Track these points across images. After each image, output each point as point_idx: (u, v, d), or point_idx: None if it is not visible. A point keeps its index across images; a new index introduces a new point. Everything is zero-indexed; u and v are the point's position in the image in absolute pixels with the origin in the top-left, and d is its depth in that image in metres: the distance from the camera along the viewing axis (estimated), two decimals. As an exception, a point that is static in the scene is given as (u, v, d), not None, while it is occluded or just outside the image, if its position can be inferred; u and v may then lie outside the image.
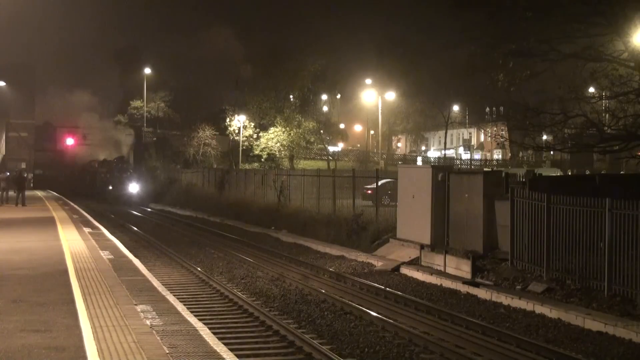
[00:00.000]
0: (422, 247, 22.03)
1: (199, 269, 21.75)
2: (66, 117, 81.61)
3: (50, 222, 29.23)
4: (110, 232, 26.83)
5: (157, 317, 11.50)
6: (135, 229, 34.44)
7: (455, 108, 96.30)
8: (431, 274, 20.31)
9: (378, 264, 22.84)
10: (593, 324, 14.26)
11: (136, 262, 18.48)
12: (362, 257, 24.13)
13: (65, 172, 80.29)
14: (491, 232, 20.10)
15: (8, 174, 50.42)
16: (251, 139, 66.81)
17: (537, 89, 25.25)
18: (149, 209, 52.37)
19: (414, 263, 21.95)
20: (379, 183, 29.67)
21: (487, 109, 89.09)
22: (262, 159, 65.89)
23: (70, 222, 29.48)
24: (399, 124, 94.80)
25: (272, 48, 65.91)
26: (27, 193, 44.63)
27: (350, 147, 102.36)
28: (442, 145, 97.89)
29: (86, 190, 65.90)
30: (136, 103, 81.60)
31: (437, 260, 21.15)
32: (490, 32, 23.18)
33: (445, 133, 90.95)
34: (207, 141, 71.65)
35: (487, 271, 19.11)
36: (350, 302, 16.51)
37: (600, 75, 21.55)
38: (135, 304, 12.41)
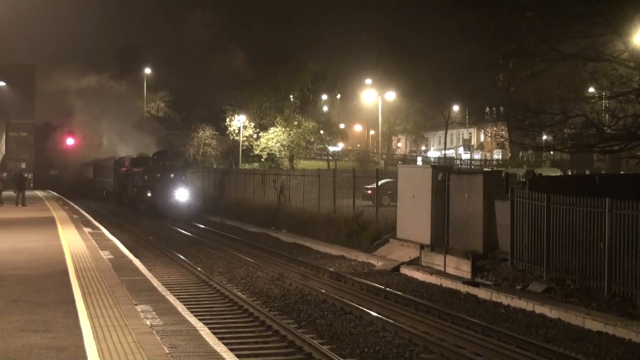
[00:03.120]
0: (422, 247, 22.03)
1: (199, 269, 21.75)
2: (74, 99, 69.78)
3: (50, 222, 29.23)
4: (110, 232, 26.82)
5: (157, 317, 11.50)
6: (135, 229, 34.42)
7: (455, 108, 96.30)
8: (431, 274, 20.31)
9: (378, 264, 22.84)
10: (593, 324, 14.26)
11: (136, 262, 18.48)
12: (362, 257, 24.13)
13: (74, 172, 73.06)
14: (491, 232, 20.10)
15: (5, 174, 50.37)
16: (251, 139, 66.82)
17: (537, 89, 25.26)
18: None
19: (414, 263, 21.95)
20: (379, 183, 29.68)
21: (487, 109, 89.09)
22: (262, 159, 65.92)
23: (70, 222, 29.48)
24: (399, 124, 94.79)
25: (272, 48, 65.93)
26: (27, 193, 44.66)
27: (350, 147, 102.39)
28: (442, 145, 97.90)
29: (116, 197, 52.62)
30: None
31: (437, 260, 21.15)
32: (490, 32, 23.18)
33: (445, 133, 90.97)
34: (207, 141, 71.65)
35: (487, 271, 19.11)
36: (350, 302, 16.51)
37: (600, 75, 21.56)
38: (136, 304, 12.42)
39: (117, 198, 52.77)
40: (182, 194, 42.34)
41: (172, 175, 43.15)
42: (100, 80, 73.61)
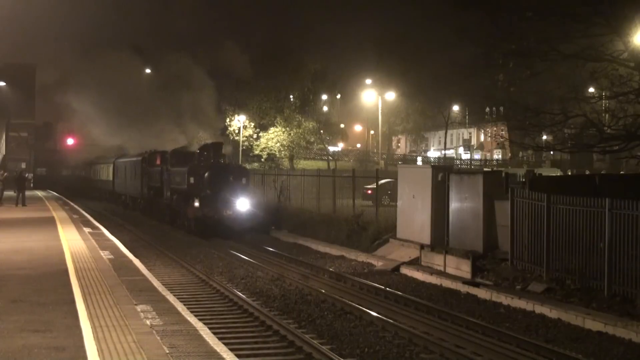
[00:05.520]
0: (422, 247, 22.03)
1: (199, 268, 21.75)
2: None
3: (50, 222, 29.23)
4: (110, 232, 26.83)
5: (157, 317, 11.50)
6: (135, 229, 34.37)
7: (455, 108, 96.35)
8: (431, 274, 20.31)
9: (378, 264, 22.84)
10: (593, 324, 14.26)
11: (136, 262, 18.48)
12: (362, 257, 24.14)
13: (84, 173, 64.44)
14: (491, 232, 20.10)
15: (6, 174, 50.04)
16: (251, 139, 66.84)
17: (537, 89, 25.25)
18: None
19: (414, 263, 21.95)
20: (379, 183, 29.70)
21: (487, 109, 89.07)
22: (262, 159, 65.93)
23: (70, 222, 29.48)
24: (399, 124, 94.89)
25: (272, 48, 65.97)
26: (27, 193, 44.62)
27: (350, 147, 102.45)
28: (442, 145, 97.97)
29: (144, 206, 41.55)
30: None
31: (437, 260, 21.15)
32: (490, 32, 23.18)
33: (445, 133, 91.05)
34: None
35: (487, 271, 19.11)
36: (350, 302, 16.51)
37: (600, 75, 21.54)
38: (136, 304, 12.42)
39: (146, 206, 41.26)
40: (243, 204, 31.08)
41: (230, 178, 31.68)
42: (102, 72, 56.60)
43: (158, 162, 38.71)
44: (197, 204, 31.01)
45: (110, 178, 52.28)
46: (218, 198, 30.88)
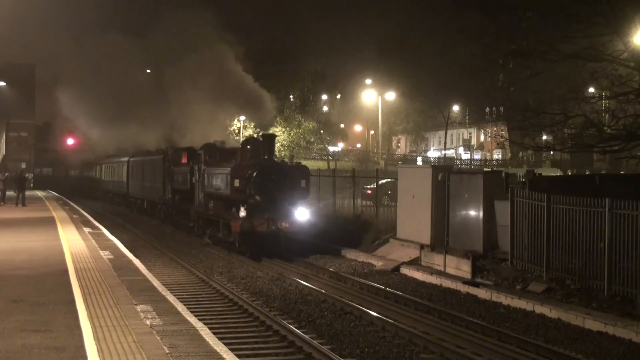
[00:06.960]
0: (422, 247, 22.03)
1: (199, 269, 21.74)
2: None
3: (50, 222, 29.22)
4: (110, 232, 26.81)
5: (157, 317, 11.50)
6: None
7: (455, 108, 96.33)
8: (431, 274, 20.31)
9: (378, 264, 22.84)
10: (593, 324, 14.26)
11: (136, 262, 18.48)
12: (362, 257, 24.13)
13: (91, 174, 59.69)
14: (491, 232, 20.10)
15: (7, 174, 49.96)
16: (251, 139, 66.80)
17: (537, 89, 25.27)
18: None
19: (414, 263, 21.95)
20: (379, 183, 29.66)
21: (487, 109, 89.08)
22: (262, 159, 65.88)
23: (70, 222, 29.47)
24: (399, 124, 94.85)
25: (272, 48, 65.98)
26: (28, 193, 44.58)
27: (350, 147, 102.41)
28: (442, 145, 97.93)
29: (169, 214, 34.89)
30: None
31: (437, 260, 21.15)
32: (490, 32, 23.19)
33: (445, 133, 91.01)
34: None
35: (487, 271, 19.11)
36: (350, 302, 16.51)
37: (600, 75, 21.56)
38: (136, 304, 12.42)
39: (169, 213, 34.96)
40: (302, 214, 24.60)
41: (286, 180, 24.83)
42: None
43: (184, 160, 32.15)
44: (243, 213, 24.51)
45: (124, 179, 46.11)
46: (271, 206, 24.44)
